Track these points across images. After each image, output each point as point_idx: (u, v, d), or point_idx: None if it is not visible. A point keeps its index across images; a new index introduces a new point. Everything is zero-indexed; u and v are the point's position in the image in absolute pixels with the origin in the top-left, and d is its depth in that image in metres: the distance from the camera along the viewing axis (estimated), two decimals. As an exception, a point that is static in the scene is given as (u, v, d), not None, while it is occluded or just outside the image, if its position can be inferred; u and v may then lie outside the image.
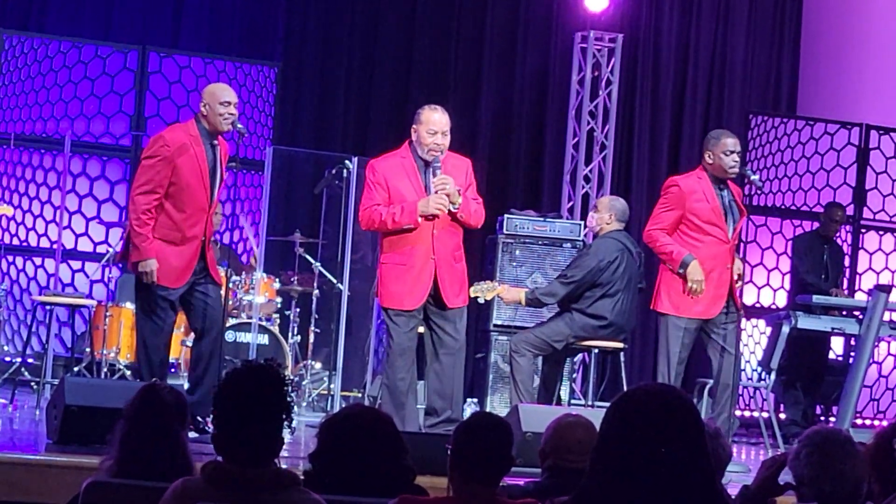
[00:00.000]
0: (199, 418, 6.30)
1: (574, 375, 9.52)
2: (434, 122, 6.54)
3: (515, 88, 11.10)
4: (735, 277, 7.04)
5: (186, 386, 6.73)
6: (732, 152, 6.99)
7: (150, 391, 3.65)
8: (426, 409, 6.69)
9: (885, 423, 10.00)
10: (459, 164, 6.68)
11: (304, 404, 8.78)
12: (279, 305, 9.16)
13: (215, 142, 6.56)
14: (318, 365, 9.24)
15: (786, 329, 8.70)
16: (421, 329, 6.70)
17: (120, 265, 9.37)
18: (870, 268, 10.62)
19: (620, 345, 7.70)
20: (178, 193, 6.46)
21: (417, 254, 6.51)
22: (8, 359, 9.15)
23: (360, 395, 8.94)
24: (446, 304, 6.55)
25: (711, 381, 7.32)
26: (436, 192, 6.47)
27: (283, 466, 3.12)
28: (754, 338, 10.39)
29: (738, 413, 10.05)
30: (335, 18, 10.84)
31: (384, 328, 9.30)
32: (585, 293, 7.51)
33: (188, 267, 6.48)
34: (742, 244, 9.88)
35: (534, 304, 7.69)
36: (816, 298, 8.98)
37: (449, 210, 6.49)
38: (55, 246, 9.57)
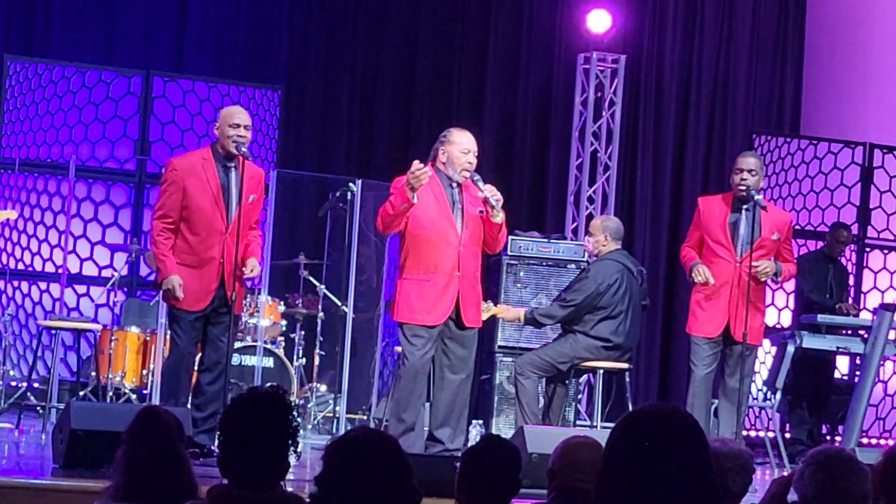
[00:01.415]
0: (203, 444, 6.29)
1: (579, 396, 9.50)
2: (466, 142, 6.63)
3: (518, 109, 11.13)
4: (766, 271, 7.10)
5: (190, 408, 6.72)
6: (741, 171, 7.13)
7: (148, 413, 3.66)
8: (428, 435, 6.68)
9: (891, 441, 9.98)
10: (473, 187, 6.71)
11: (310, 427, 8.77)
12: (284, 328, 9.16)
13: (230, 164, 6.57)
14: (323, 387, 9.23)
15: (791, 348, 8.68)
16: None
17: (139, 290, 9.43)
18: (874, 286, 10.62)
19: (626, 365, 7.70)
20: (191, 216, 6.50)
21: (443, 269, 6.52)
22: (14, 383, 9.16)
23: (365, 417, 8.94)
24: (465, 323, 6.57)
25: (717, 402, 7.35)
26: (487, 202, 6.51)
27: (289, 490, 3.12)
28: (759, 357, 10.37)
29: (743, 433, 10.03)
30: (337, 41, 10.88)
31: (388, 350, 9.33)
32: (587, 316, 7.51)
33: (207, 290, 6.50)
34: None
35: (532, 324, 7.71)
36: (821, 318, 8.97)
37: (493, 218, 6.54)
38: (60, 270, 9.59)
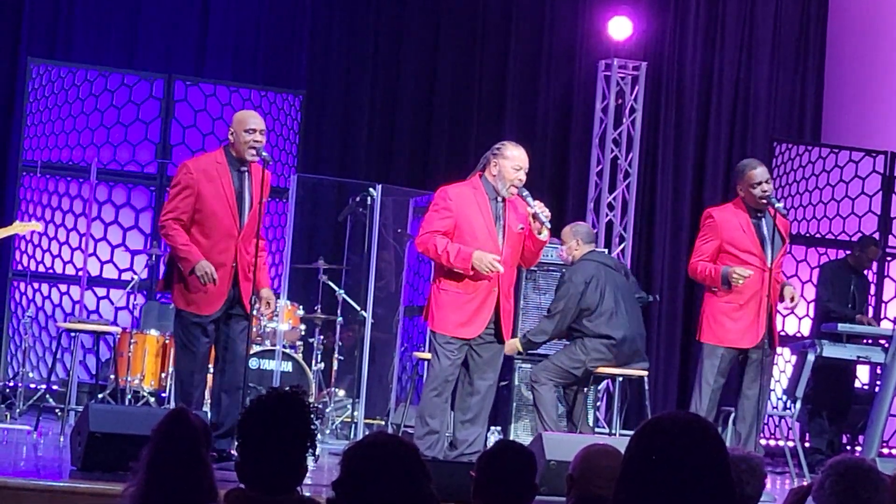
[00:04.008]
0: (220, 448, 6.29)
1: (598, 403, 9.48)
2: (520, 159, 6.61)
3: (539, 116, 11.12)
4: (789, 301, 7.10)
5: (209, 414, 6.72)
6: (759, 183, 7.00)
7: (178, 415, 3.65)
8: (450, 440, 6.68)
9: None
10: (521, 203, 6.72)
11: (328, 432, 8.77)
12: (303, 333, 9.16)
13: (243, 169, 6.56)
14: (341, 392, 9.23)
15: (811, 357, 8.65)
16: None
17: (159, 294, 9.44)
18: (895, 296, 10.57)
19: (644, 372, 7.68)
20: (204, 220, 6.47)
21: (481, 284, 6.51)
22: (33, 385, 9.19)
23: (383, 422, 8.93)
24: (504, 337, 6.59)
25: (730, 410, 7.33)
26: (536, 217, 6.50)
27: (307, 494, 3.11)
28: (779, 366, 10.33)
29: (763, 442, 9.99)
30: (359, 46, 10.90)
31: (407, 355, 9.33)
32: (579, 320, 7.51)
33: (220, 294, 6.46)
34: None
35: (530, 347, 7.73)
36: (842, 327, 8.92)
37: (538, 234, 6.54)
38: (80, 273, 9.62)
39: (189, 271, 6.39)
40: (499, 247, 6.55)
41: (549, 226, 6.59)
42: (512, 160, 6.58)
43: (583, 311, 7.53)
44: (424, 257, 7.00)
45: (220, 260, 6.45)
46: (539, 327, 7.69)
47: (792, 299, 7.15)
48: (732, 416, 7.37)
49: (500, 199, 6.59)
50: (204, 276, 6.36)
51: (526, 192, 6.57)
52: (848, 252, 9.75)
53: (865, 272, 9.77)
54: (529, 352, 8.65)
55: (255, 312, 7.04)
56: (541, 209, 6.53)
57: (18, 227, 8.22)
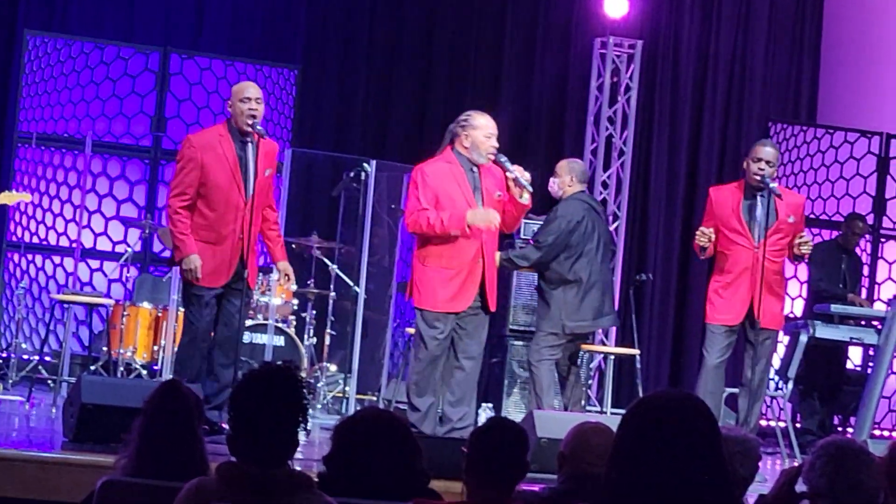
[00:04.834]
0: (213, 421, 6.30)
1: (589, 382, 9.50)
2: (489, 126, 6.62)
3: (534, 94, 11.10)
4: (800, 244, 7.06)
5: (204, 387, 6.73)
6: (760, 160, 7.08)
7: (170, 387, 3.66)
8: (440, 415, 6.70)
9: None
10: (496, 170, 6.72)
11: (319, 407, 8.79)
12: (295, 307, 9.16)
13: (246, 139, 6.56)
14: (333, 367, 9.24)
15: (803, 338, 8.66)
16: None
17: (152, 266, 9.42)
18: (889, 277, 10.58)
19: (636, 351, 7.70)
20: (208, 193, 6.49)
21: (467, 256, 6.53)
22: (25, 356, 9.19)
23: (375, 398, 8.95)
24: (490, 307, 6.59)
25: (727, 391, 7.36)
26: (517, 181, 6.51)
27: (297, 468, 3.12)
28: (771, 346, 10.34)
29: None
30: (355, 22, 10.86)
31: (399, 331, 9.33)
32: (559, 257, 7.51)
33: (227, 266, 6.49)
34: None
35: (509, 265, 7.67)
36: (834, 308, 8.93)
37: (519, 198, 6.56)
38: (74, 245, 9.61)
39: (179, 260, 6.48)
40: None
41: (530, 189, 6.58)
42: (482, 129, 6.59)
43: (565, 248, 7.53)
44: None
45: (227, 231, 6.48)
46: (524, 253, 7.67)
47: (803, 243, 7.07)
48: (724, 394, 7.40)
49: (475, 168, 6.60)
50: (188, 271, 6.44)
51: (504, 158, 6.59)
52: (839, 233, 9.78)
53: (858, 252, 9.78)
54: (523, 329, 8.67)
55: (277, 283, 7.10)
56: (520, 173, 6.55)
57: (6, 198, 8.17)
